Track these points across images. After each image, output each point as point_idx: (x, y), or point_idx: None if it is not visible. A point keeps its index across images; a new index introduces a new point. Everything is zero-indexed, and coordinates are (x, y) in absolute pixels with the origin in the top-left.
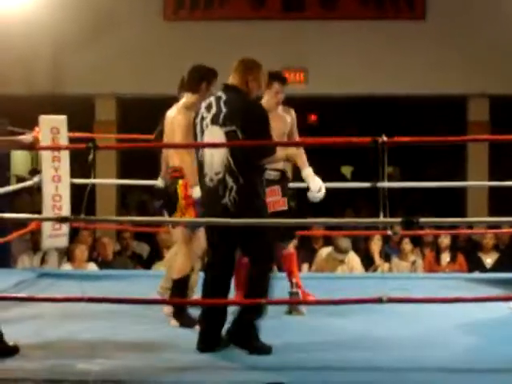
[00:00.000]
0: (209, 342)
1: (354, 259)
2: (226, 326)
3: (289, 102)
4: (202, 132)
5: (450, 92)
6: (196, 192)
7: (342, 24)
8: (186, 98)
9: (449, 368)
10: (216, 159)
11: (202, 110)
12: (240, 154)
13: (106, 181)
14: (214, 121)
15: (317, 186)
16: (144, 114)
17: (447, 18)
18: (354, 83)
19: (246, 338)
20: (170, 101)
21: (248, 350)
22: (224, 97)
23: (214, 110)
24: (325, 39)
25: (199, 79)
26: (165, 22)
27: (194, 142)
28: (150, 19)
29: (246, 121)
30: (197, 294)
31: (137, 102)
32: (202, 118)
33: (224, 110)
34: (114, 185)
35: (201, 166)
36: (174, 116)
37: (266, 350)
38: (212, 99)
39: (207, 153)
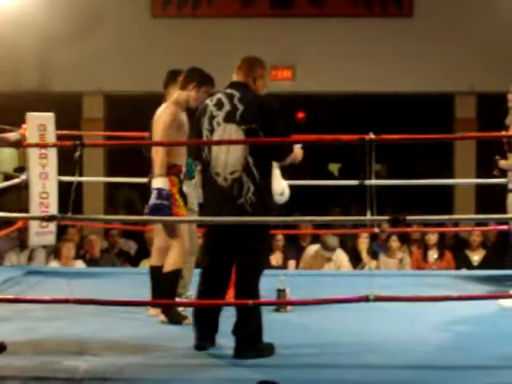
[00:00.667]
0: (205, 341)
1: (341, 257)
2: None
3: (276, 99)
4: (212, 130)
5: (437, 89)
6: (158, 182)
7: (329, 21)
8: (176, 95)
9: (436, 365)
10: (232, 158)
11: (211, 107)
12: (261, 153)
13: (93, 179)
14: (229, 119)
15: (280, 189)
16: (132, 111)
17: (434, 16)
18: (342, 81)
19: (249, 339)
20: (158, 98)
21: (252, 351)
22: (237, 94)
23: (227, 107)
24: (313, 36)
25: (189, 79)
26: (152, 19)
27: (198, 140)
28: (138, 16)
29: (266, 119)
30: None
31: (125, 100)
32: (212, 117)
33: (241, 107)
34: (102, 182)
35: (208, 165)
36: (160, 112)
37: (270, 350)
38: (221, 96)
39: (220, 151)
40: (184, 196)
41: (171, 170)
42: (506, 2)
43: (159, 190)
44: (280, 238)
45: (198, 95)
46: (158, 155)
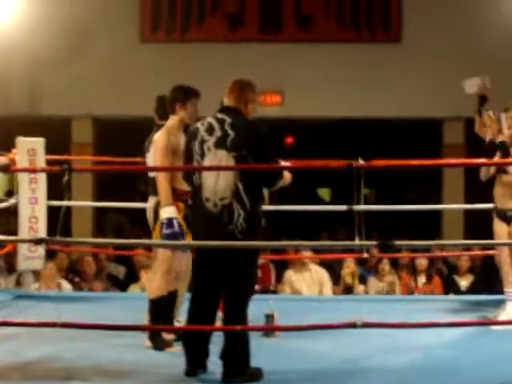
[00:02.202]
0: (194, 366)
1: (320, 272)
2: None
3: (265, 123)
4: (203, 155)
5: (425, 115)
6: (166, 212)
7: (318, 46)
8: (169, 120)
9: None
10: (222, 184)
11: (201, 132)
12: (251, 179)
13: (82, 203)
14: (220, 144)
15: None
16: (121, 135)
17: (422, 41)
18: (331, 106)
19: (237, 364)
20: (148, 122)
21: (240, 376)
22: (228, 119)
23: (218, 133)
24: (301, 61)
25: (172, 101)
26: (142, 44)
27: (188, 164)
28: (127, 40)
29: (256, 146)
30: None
31: (114, 124)
32: (203, 141)
33: (232, 133)
34: (91, 207)
35: (198, 190)
36: (155, 137)
37: (258, 375)
38: (212, 121)
39: (210, 177)
40: (189, 222)
41: (174, 195)
42: (492, 29)
43: (168, 220)
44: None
45: (187, 112)
46: (160, 183)
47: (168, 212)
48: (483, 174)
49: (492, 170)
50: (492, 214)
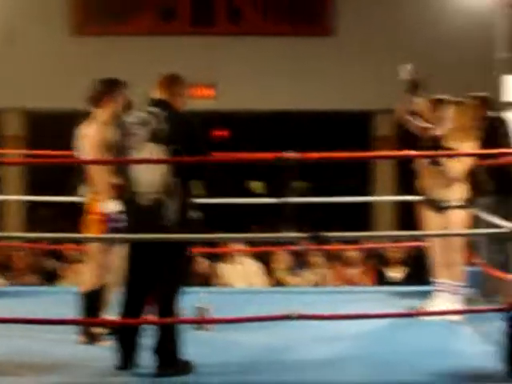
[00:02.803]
0: (125, 360)
1: (253, 266)
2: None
3: (198, 116)
4: (134, 148)
5: (357, 107)
6: (109, 207)
7: (250, 39)
8: (98, 114)
9: (355, 381)
10: (154, 178)
11: (133, 125)
12: (182, 172)
13: (13, 197)
14: (152, 138)
15: None
16: (54, 128)
17: (355, 35)
18: (263, 98)
19: (169, 357)
20: (80, 116)
21: (171, 369)
22: (159, 113)
23: (149, 126)
24: (234, 54)
25: (100, 94)
26: (72, 37)
27: (120, 158)
28: (57, 34)
29: (188, 139)
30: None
31: (46, 117)
32: (134, 135)
33: (163, 127)
34: (22, 201)
35: (130, 184)
36: (85, 131)
37: (189, 367)
38: (143, 114)
39: (142, 171)
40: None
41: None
42: (424, 20)
43: (112, 214)
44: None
45: (117, 103)
46: (99, 178)
47: (111, 206)
48: (418, 166)
49: (424, 161)
50: (421, 206)
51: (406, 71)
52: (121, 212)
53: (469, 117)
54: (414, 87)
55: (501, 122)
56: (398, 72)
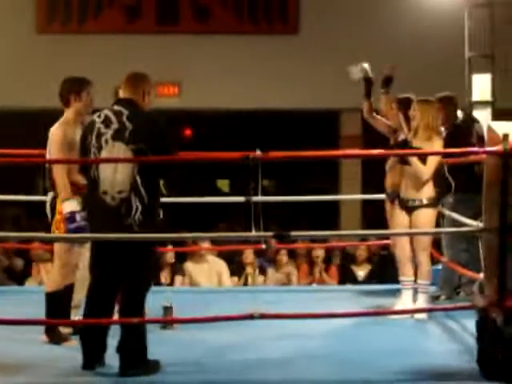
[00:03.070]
0: (91, 360)
1: (219, 264)
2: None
3: (163, 115)
4: (100, 148)
5: (324, 106)
6: (67, 206)
7: (215, 38)
8: (65, 113)
9: (321, 379)
10: (120, 177)
11: (98, 124)
12: (149, 172)
13: None
14: (118, 137)
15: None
16: (18, 127)
17: (320, 33)
18: (228, 97)
19: (135, 356)
20: (44, 114)
21: (137, 368)
22: (125, 112)
23: (115, 125)
24: (198, 53)
25: (66, 93)
26: (37, 35)
27: (85, 157)
28: (23, 31)
29: (155, 138)
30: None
31: (10, 116)
32: (100, 134)
33: (129, 126)
34: None
35: (95, 183)
36: (51, 131)
37: (156, 367)
38: (108, 113)
39: (108, 170)
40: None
41: (72, 189)
42: (388, 20)
43: (71, 214)
44: (170, 255)
45: (83, 102)
46: (58, 177)
47: (70, 206)
48: (389, 165)
49: (391, 161)
50: (389, 204)
51: (357, 71)
52: (81, 212)
53: (434, 116)
54: (369, 84)
55: (466, 122)
56: (348, 73)
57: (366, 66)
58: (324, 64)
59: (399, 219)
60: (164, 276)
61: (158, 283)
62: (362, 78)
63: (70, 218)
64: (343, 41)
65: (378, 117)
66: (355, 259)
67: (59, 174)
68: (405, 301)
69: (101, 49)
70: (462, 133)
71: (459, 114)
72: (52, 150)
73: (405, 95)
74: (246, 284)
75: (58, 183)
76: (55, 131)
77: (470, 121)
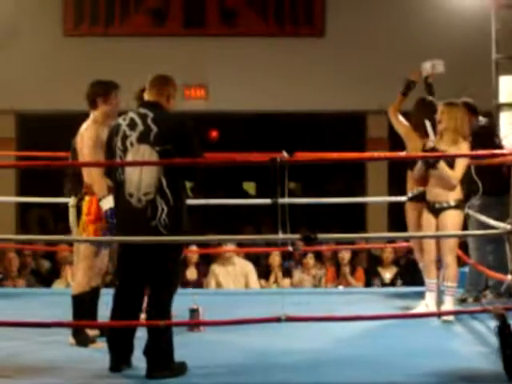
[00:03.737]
0: (118, 362)
1: (246, 266)
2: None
3: (190, 117)
4: (125, 150)
5: (349, 108)
6: (106, 203)
7: (242, 40)
8: (93, 115)
9: (348, 382)
10: (146, 179)
11: (123, 127)
12: (174, 173)
13: (4, 198)
14: (143, 139)
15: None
16: (45, 130)
17: (346, 36)
18: (255, 100)
19: (161, 359)
20: (71, 117)
21: (164, 371)
22: (151, 114)
23: (140, 128)
24: (225, 56)
25: (93, 96)
26: (64, 38)
27: (112, 159)
28: (50, 34)
29: (181, 140)
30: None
31: (37, 119)
32: (125, 136)
33: (154, 128)
34: (13, 202)
35: (121, 185)
36: (81, 132)
37: (182, 369)
38: (134, 116)
39: (133, 172)
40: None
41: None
42: (415, 22)
43: (112, 210)
44: (194, 255)
45: (110, 104)
46: (94, 176)
47: (109, 202)
48: (417, 173)
49: (418, 170)
50: (414, 206)
51: (426, 67)
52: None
53: (461, 119)
54: (412, 85)
55: (491, 125)
56: (420, 68)
57: (436, 63)
58: (350, 66)
59: (427, 221)
60: (190, 274)
61: (184, 283)
62: (429, 74)
63: (112, 213)
64: (369, 43)
65: (401, 118)
66: (382, 261)
67: (95, 172)
68: (428, 302)
69: (127, 52)
70: (486, 135)
71: (481, 119)
72: (85, 150)
73: (428, 98)
74: (275, 285)
75: (94, 181)
76: (86, 132)
77: (491, 125)
